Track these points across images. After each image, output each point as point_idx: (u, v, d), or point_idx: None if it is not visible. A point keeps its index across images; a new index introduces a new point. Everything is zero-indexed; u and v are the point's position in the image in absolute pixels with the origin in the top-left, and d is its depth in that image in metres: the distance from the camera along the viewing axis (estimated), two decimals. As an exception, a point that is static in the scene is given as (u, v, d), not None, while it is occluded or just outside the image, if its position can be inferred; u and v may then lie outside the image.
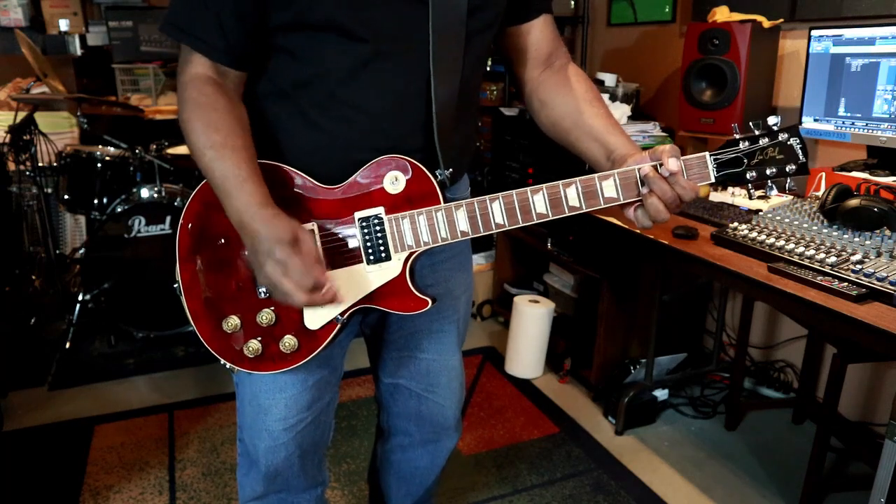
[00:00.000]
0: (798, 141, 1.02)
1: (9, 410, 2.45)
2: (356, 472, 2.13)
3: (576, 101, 1.16)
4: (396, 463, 1.50)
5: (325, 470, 1.39)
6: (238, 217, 0.99)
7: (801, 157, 1.02)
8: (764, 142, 1.02)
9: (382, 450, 1.52)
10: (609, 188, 1.02)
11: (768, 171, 1.03)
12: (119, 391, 2.62)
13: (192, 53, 1.02)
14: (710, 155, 1.02)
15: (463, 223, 1.05)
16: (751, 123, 1.03)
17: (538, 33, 1.20)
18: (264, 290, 1.07)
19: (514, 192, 1.03)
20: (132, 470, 2.15)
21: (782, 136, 1.02)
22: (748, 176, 1.03)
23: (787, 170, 1.02)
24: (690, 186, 1.00)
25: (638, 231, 1.94)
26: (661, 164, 1.00)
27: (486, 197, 1.04)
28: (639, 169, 1.01)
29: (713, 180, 1.02)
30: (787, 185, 1.04)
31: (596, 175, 1.02)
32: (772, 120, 1.03)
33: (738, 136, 1.03)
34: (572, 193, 1.03)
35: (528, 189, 1.03)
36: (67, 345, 2.81)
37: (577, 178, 1.03)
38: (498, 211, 1.04)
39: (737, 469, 2.19)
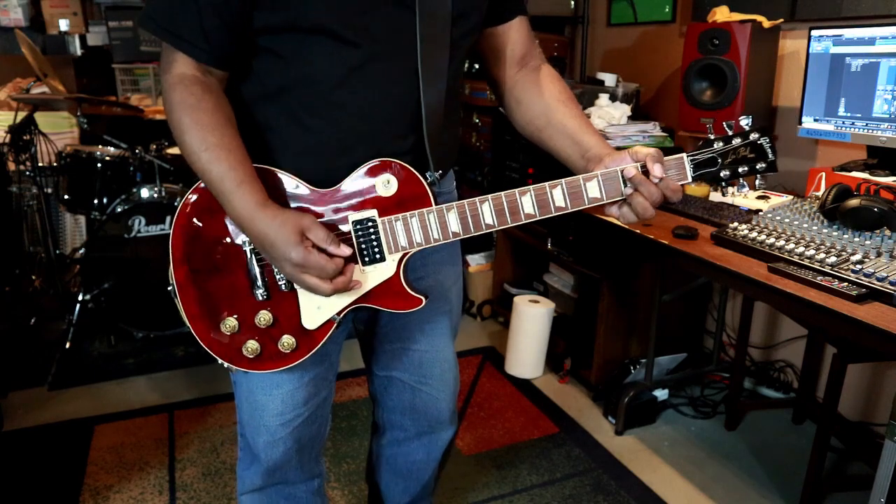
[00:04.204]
0: (767, 140, 1.06)
1: (9, 410, 2.45)
2: (356, 472, 2.13)
3: (550, 100, 1.20)
4: (392, 458, 1.50)
5: (322, 463, 1.40)
6: (238, 219, 1.02)
7: (770, 156, 1.07)
8: (736, 142, 1.07)
9: (378, 445, 1.53)
10: (593, 189, 1.06)
11: (740, 170, 1.07)
12: (119, 391, 2.62)
13: (175, 52, 1.02)
14: (688, 156, 1.06)
15: (454, 224, 1.08)
16: (724, 124, 1.08)
17: (514, 34, 1.23)
18: (261, 291, 1.09)
19: (503, 193, 1.06)
20: (132, 470, 2.15)
21: (753, 136, 1.06)
22: (722, 174, 1.07)
23: (758, 167, 1.07)
24: (675, 187, 1.05)
25: (638, 231, 1.94)
26: (644, 167, 1.04)
27: (476, 199, 1.07)
28: (622, 170, 1.04)
29: (690, 180, 1.07)
30: (756, 183, 1.09)
31: (580, 176, 1.06)
32: (744, 121, 1.08)
33: (712, 137, 1.07)
34: (558, 194, 1.06)
35: (517, 190, 1.06)
36: (67, 345, 2.81)
37: (563, 180, 1.06)
38: (488, 212, 1.07)
39: (737, 469, 2.19)
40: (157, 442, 2.29)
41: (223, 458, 2.20)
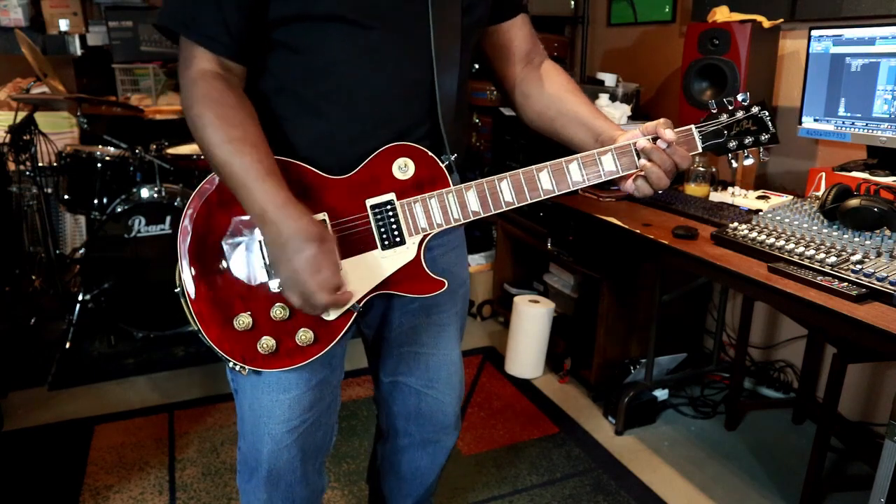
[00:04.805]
0: (766, 114, 1.12)
1: (9, 410, 2.45)
2: (356, 472, 2.13)
3: (559, 90, 1.24)
4: (397, 464, 1.49)
5: (324, 476, 1.39)
6: (261, 212, 0.99)
7: (771, 128, 1.12)
8: (740, 114, 1.12)
9: (382, 451, 1.52)
10: (608, 162, 1.09)
11: (746, 141, 1.12)
12: (119, 391, 2.62)
13: (195, 48, 1.02)
14: (696, 127, 1.11)
15: (474, 203, 1.09)
16: (725, 100, 1.13)
17: (518, 31, 1.26)
18: (278, 282, 1.07)
19: (520, 170, 1.09)
20: (132, 470, 2.15)
21: (754, 109, 1.12)
22: (730, 145, 1.12)
23: (762, 139, 1.13)
24: (684, 154, 1.09)
25: (638, 231, 1.94)
26: (656, 138, 1.08)
27: (494, 177, 1.09)
28: (634, 143, 1.08)
29: (700, 150, 1.11)
30: (761, 155, 1.15)
31: (595, 151, 1.09)
32: (741, 96, 1.12)
33: (715, 111, 1.12)
34: (574, 168, 1.09)
35: (534, 167, 1.08)
36: (67, 345, 2.81)
37: (578, 154, 1.10)
38: (507, 189, 1.09)
39: (737, 469, 2.19)
40: (157, 442, 2.29)
41: (223, 458, 2.20)
